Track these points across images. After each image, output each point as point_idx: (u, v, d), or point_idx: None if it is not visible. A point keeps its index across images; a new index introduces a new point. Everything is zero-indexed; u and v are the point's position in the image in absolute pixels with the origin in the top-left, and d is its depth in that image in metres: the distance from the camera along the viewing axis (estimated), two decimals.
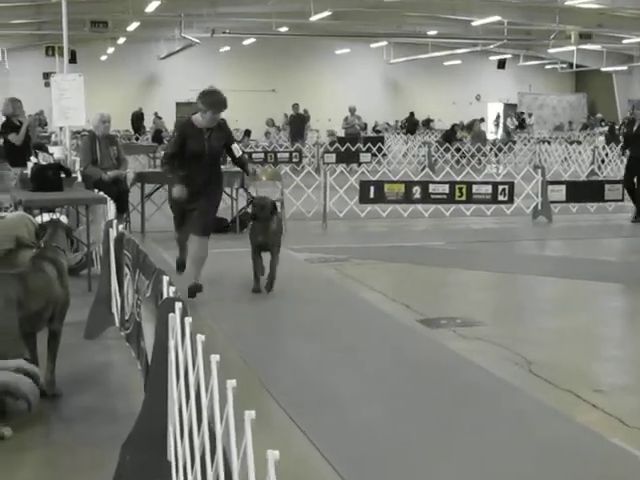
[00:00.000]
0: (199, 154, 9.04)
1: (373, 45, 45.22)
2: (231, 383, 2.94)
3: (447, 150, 28.42)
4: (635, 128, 16.50)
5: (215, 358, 3.22)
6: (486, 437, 5.45)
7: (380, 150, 28.69)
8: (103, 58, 42.63)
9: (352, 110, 31.11)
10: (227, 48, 42.82)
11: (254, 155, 25.69)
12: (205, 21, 33.88)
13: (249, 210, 14.46)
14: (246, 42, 41.87)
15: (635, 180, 16.37)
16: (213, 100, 9.02)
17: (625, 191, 16.72)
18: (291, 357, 7.32)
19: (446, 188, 16.65)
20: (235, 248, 12.49)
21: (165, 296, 4.62)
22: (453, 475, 4.90)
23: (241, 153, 9.56)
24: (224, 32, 34.41)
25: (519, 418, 5.79)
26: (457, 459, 5.11)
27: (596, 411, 5.86)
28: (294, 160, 26.07)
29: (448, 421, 5.74)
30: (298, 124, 31.09)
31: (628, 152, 16.94)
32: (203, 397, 3.38)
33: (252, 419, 2.60)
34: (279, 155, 26.66)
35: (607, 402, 6.03)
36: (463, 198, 16.59)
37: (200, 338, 3.50)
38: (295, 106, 31.47)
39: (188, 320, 3.81)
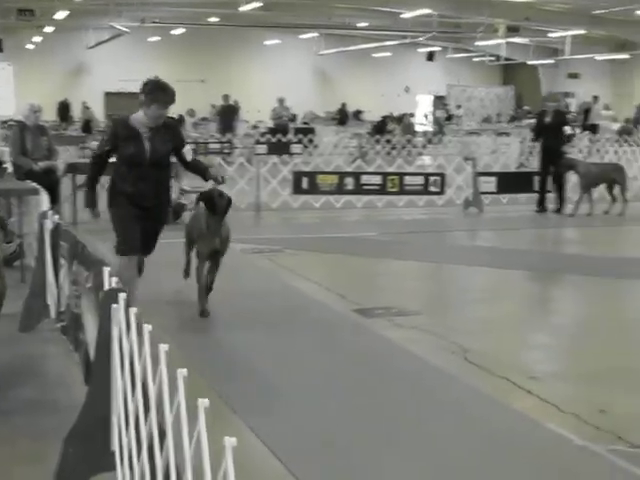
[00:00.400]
0: (137, 160, 7.56)
1: (303, 36, 45.19)
2: (182, 372, 2.95)
3: (378, 141, 28.57)
4: (547, 120, 16.75)
5: (164, 348, 3.23)
6: (425, 425, 5.53)
7: (311, 141, 28.75)
8: (30, 47, 41.98)
9: (280, 101, 31.09)
10: (156, 38, 42.50)
11: None
12: (135, 10, 33.59)
13: (182, 201, 14.51)
14: (175, 32, 41.58)
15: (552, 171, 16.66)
16: (157, 92, 7.54)
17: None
18: (229, 348, 7.33)
19: (378, 179, 16.79)
20: (169, 239, 12.40)
21: (107, 287, 4.61)
22: (395, 464, 4.96)
23: (192, 157, 8.03)
24: (154, 21, 34.16)
25: (457, 406, 5.88)
26: (397, 448, 5.17)
27: (532, 398, 5.99)
28: (225, 151, 26.00)
29: (387, 410, 5.81)
30: (228, 115, 30.92)
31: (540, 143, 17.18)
32: (151, 386, 3.39)
33: (206, 407, 2.63)
34: (210, 146, 26.55)
35: (541, 389, 6.16)
36: (395, 189, 16.76)
37: (147, 328, 3.51)
38: (225, 97, 31.28)
39: (133, 310, 3.81)
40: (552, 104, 17.10)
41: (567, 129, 16.63)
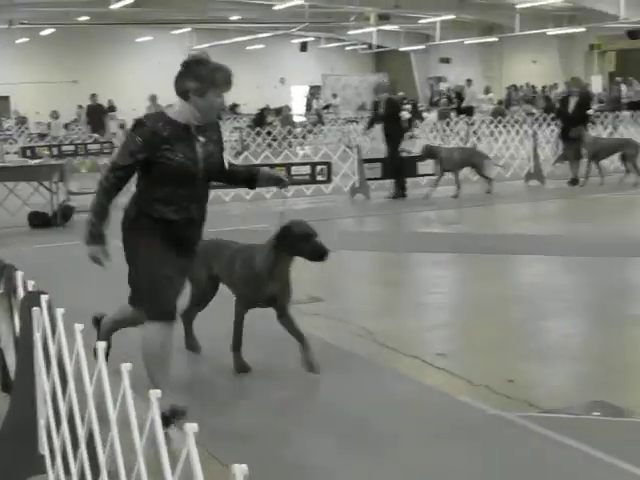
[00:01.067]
0: (189, 172, 5.32)
1: (175, 32, 44.96)
2: (126, 367, 2.99)
3: (259, 134, 28.65)
4: (381, 111, 17.06)
5: (102, 345, 3.26)
6: (340, 406, 5.66)
7: None
8: None
9: (152, 99, 30.98)
10: (25, 39, 41.62)
11: (63, 148, 25.19)
12: (1, 12, 32.85)
13: (71, 203, 14.28)
14: (45, 32, 40.83)
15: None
16: (216, 73, 5.38)
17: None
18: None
19: None
20: (59, 242, 12.36)
21: (20, 292, 4.59)
22: (311, 443, 5.07)
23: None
24: (22, 23, 33.48)
25: (371, 386, 6.01)
26: (317, 430, 5.28)
27: (442, 373, 6.18)
28: (105, 151, 25.73)
29: (302, 396, 5.92)
30: (97, 115, 30.60)
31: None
32: (87, 384, 3.41)
33: (158, 398, 2.68)
34: (89, 147, 26.23)
35: (450, 364, 6.35)
36: None
37: (79, 328, 3.52)
38: (93, 96, 30.92)
39: (60, 311, 3.81)
40: (383, 95, 17.44)
41: (404, 114, 17.09)
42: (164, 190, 5.28)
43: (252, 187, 6.12)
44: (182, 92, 5.31)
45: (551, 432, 4.99)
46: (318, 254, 5.98)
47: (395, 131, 16.69)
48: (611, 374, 6.20)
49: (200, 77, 5.26)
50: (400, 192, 16.83)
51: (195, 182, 5.34)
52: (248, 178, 5.90)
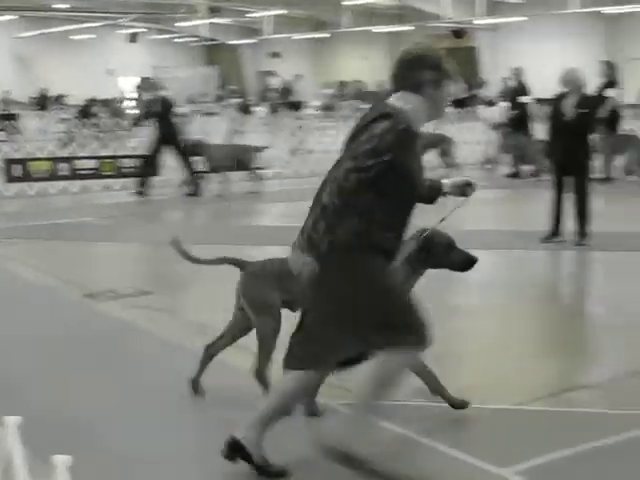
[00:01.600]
0: (414, 191, 4.42)
1: None
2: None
3: (85, 125, 28.12)
4: (156, 109, 17.03)
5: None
6: (180, 403, 5.66)
7: (15, 128, 27.91)
8: None
9: None
10: None
11: None
12: None
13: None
14: None
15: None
16: (441, 57, 4.68)
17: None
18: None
19: (93, 163, 16.67)
20: None
21: None
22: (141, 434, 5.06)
23: None
24: None
25: (210, 382, 5.93)
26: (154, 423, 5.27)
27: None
28: None
29: (131, 391, 5.88)
30: None
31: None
32: None
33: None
34: None
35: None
36: (111, 172, 16.69)
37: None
38: None
39: None
40: (155, 93, 17.52)
41: (178, 110, 17.33)
42: (386, 213, 4.28)
43: (432, 203, 4.87)
44: (415, 84, 4.43)
45: (375, 419, 5.10)
46: (468, 263, 5.19)
47: (169, 129, 16.62)
48: (434, 362, 6.40)
49: (436, 66, 4.52)
50: (195, 188, 16.56)
51: (414, 200, 4.45)
52: (432, 191, 4.81)
